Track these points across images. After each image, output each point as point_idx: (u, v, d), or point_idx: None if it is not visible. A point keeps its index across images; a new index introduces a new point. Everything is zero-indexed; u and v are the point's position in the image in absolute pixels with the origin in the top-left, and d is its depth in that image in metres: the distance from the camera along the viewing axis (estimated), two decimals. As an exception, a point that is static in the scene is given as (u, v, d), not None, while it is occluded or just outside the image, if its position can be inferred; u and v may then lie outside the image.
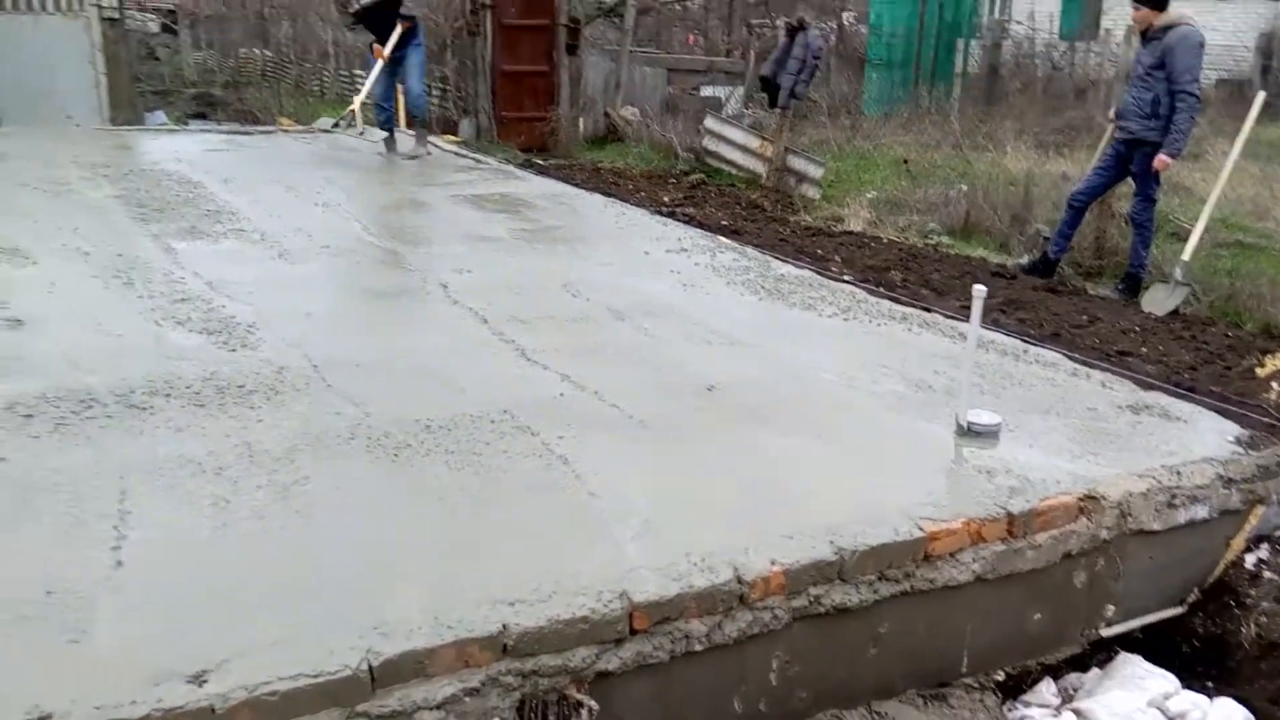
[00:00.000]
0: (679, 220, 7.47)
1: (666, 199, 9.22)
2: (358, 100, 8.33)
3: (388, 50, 7.79)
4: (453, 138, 11.45)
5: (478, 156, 9.00)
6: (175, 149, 8.14)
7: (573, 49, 12.29)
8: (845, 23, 21.57)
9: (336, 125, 8.37)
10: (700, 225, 7.24)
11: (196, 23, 24.90)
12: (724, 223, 7.97)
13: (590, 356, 3.58)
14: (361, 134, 7.91)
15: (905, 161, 10.04)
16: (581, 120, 12.70)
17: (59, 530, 2.22)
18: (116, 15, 10.07)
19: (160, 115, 12.45)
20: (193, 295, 4.02)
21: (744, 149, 10.03)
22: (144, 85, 12.73)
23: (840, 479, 2.67)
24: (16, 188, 6.05)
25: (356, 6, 7.69)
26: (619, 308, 4.19)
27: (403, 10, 7.70)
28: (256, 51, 21.70)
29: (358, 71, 18.03)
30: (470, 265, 4.77)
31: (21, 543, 2.17)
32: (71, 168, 6.80)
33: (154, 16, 24.87)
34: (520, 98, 12.25)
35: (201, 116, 13.55)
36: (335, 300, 4.24)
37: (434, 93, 13.23)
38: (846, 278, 5.16)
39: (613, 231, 5.86)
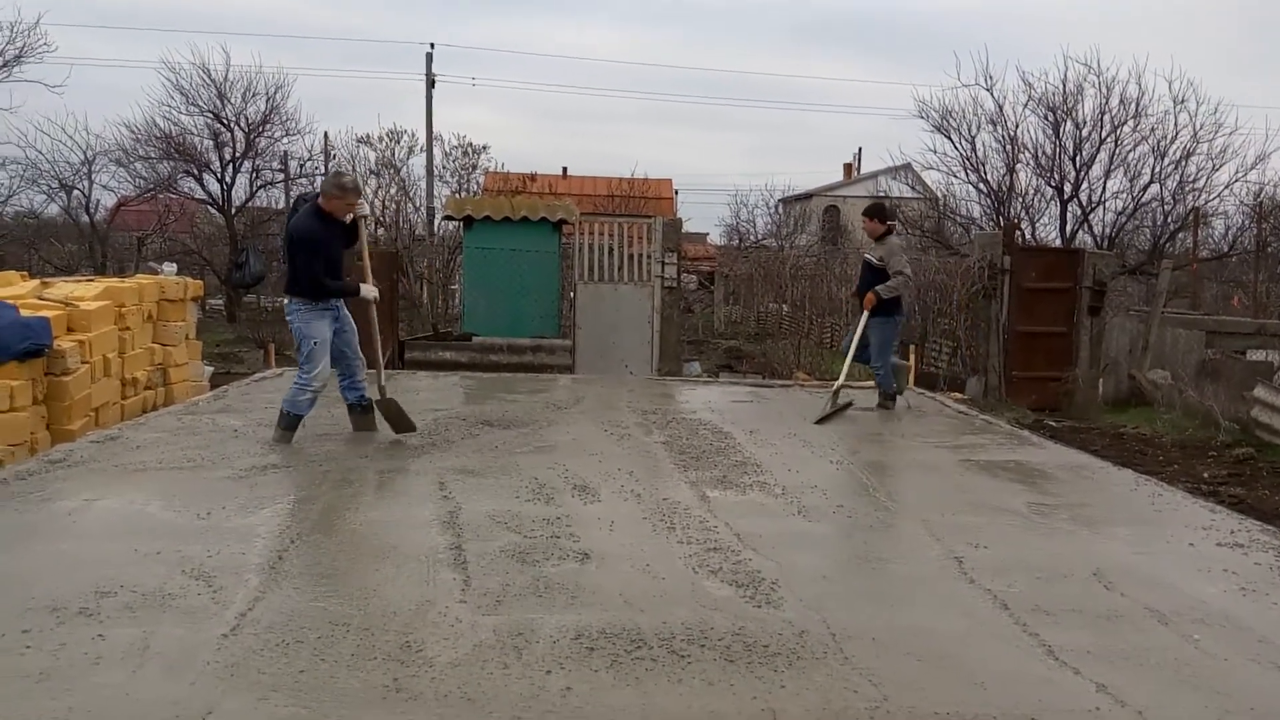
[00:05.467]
0: (1222, 501, 6.63)
1: (1206, 475, 8.27)
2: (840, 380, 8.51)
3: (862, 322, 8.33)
4: (959, 395, 11.45)
5: (987, 418, 8.86)
6: (708, 399, 9.13)
7: (1095, 310, 11.85)
8: None
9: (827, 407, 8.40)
10: (1255, 511, 6.35)
11: (728, 280, 28.29)
12: (1285, 510, 6.91)
13: (1128, 665, 3.23)
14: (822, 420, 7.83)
15: None
16: (1101, 382, 12.00)
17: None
18: (675, 284, 11.88)
19: (695, 366, 14.14)
20: (723, 545, 4.37)
21: (1308, 424, 8.70)
22: (683, 337, 14.60)
23: None
24: (590, 429, 7.19)
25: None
26: (1161, 609, 3.76)
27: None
28: (775, 306, 23.91)
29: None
30: (986, 540, 4.62)
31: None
32: (628, 412, 7.94)
33: (693, 277, 28.71)
34: (1034, 358, 11.98)
35: (728, 368, 15.11)
36: (851, 564, 4.34)
37: (944, 351, 13.45)
38: None
39: (1148, 514, 5.34)
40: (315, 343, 6.29)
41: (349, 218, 6.38)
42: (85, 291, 8.56)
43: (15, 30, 19.30)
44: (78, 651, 3.07)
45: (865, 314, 8.35)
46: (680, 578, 3.94)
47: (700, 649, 3.22)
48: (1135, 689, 3.03)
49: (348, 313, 6.61)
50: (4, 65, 18.97)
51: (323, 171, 24.92)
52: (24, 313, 7.32)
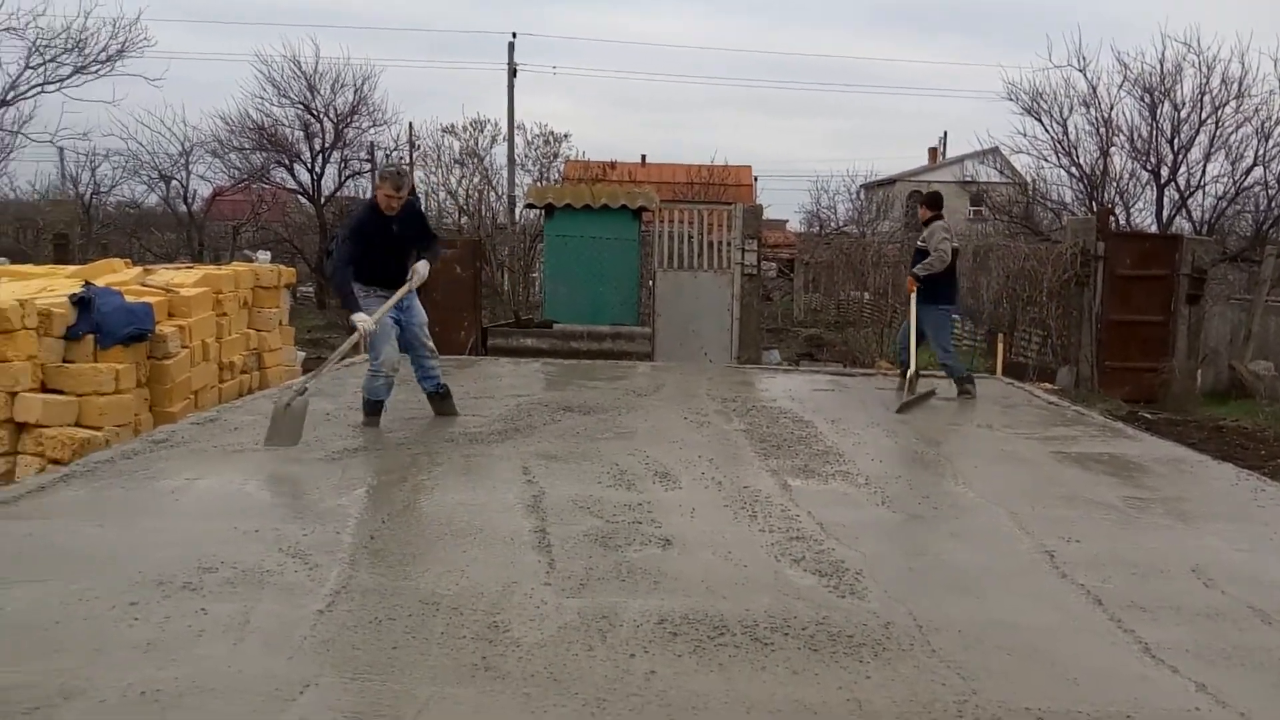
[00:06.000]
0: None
1: (1313, 471, 7.89)
2: (912, 368, 8.41)
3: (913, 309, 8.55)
4: (1049, 386, 11.15)
5: (1079, 409, 8.62)
6: (788, 387, 9.06)
7: (1194, 299, 11.41)
8: None
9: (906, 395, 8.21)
10: (1367, 510, 6.04)
11: (808, 267, 27.93)
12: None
13: (1230, 664, 3.12)
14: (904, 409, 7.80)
15: None
16: (1200, 373, 11.56)
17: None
18: (755, 271, 11.82)
19: (775, 354, 14.03)
20: (806, 534, 4.35)
21: None
22: (762, 325, 14.50)
23: None
24: (670, 416, 7.21)
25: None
26: (1265, 608, 3.62)
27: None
28: (856, 293, 23.53)
29: (954, 316, 18.53)
30: (1078, 534, 4.50)
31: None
32: (708, 400, 7.93)
33: (773, 265, 28.45)
34: (1128, 347, 11.60)
35: (809, 356, 14.96)
36: (936, 556, 4.27)
37: (1033, 340, 13.10)
38: None
39: (1250, 510, 5.14)
40: (374, 330, 6.37)
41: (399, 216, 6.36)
42: (185, 278, 8.89)
43: (117, 26, 20.03)
44: (182, 624, 3.21)
45: (912, 298, 8.57)
46: (762, 566, 3.93)
47: (784, 637, 3.21)
48: (1237, 689, 2.93)
49: (418, 302, 6.67)
50: (107, 60, 19.72)
51: (408, 161, 25.38)
52: (128, 299, 7.63)
